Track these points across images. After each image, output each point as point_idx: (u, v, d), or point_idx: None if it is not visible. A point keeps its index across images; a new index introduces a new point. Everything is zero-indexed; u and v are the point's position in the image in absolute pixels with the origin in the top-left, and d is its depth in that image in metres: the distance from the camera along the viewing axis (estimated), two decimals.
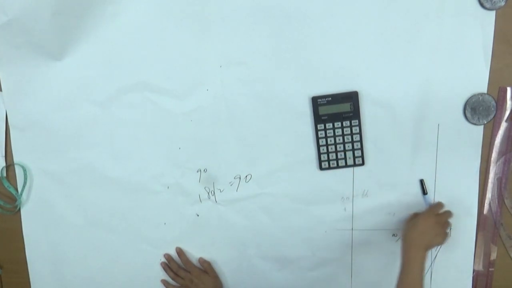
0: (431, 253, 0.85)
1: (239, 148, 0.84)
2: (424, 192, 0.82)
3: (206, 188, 0.86)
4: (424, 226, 0.74)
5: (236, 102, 0.82)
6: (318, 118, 0.81)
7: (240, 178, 0.85)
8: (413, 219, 0.78)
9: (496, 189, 0.82)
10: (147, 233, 0.88)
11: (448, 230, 0.79)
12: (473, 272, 0.85)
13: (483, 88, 0.79)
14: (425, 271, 0.72)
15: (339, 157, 0.82)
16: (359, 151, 0.82)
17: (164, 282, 0.90)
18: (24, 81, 0.84)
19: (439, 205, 0.80)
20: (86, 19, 0.80)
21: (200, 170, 0.86)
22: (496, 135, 0.81)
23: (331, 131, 0.81)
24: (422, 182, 0.82)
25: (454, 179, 0.82)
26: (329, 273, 0.86)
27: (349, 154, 0.82)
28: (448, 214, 0.79)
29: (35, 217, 0.90)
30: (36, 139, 0.87)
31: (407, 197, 0.83)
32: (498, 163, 0.82)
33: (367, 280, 0.87)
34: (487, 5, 0.75)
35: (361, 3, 0.77)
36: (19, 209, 0.90)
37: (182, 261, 0.88)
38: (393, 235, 0.85)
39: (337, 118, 0.81)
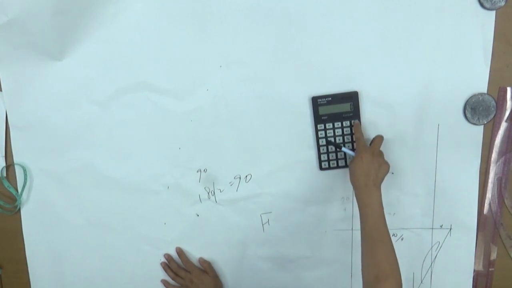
0: (431, 253, 0.85)
1: (239, 148, 0.84)
2: (339, 147, 0.80)
3: (206, 188, 0.86)
4: (363, 166, 0.73)
5: (236, 102, 0.82)
6: (318, 118, 0.81)
7: (240, 178, 0.85)
8: (351, 163, 0.75)
9: (496, 189, 0.82)
10: (147, 233, 0.88)
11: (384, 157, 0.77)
12: (473, 272, 0.85)
13: (483, 88, 0.79)
14: (383, 209, 0.71)
15: (339, 157, 0.82)
16: None
17: (164, 282, 0.90)
18: (24, 81, 0.84)
19: (360, 140, 0.77)
20: (86, 19, 0.80)
21: (200, 170, 0.86)
22: (496, 135, 0.81)
23: (331, 131, 0.81)
24: (329, 142, 0.80)
25: (454, 179, 0.82)
26: (329, 273, 0.86)
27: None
28: (377, 141, 0.78)
29: (35, 217, 0.90)
30: (36, 139, 0.87)
31: (407, 197, 0.83)
32: (498, 163, 0.82)
33: None
34: (487, 5, 0.75)
35: (361, 3, 0.77)
36: (19, 209, 0.90)
37: (182, 261, 0.88)
38: (393, 235, 0.85)
39: (337, 118, 0.81)
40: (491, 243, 0.84)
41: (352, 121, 0.80)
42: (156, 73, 0.82)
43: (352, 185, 0.74)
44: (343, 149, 0.80)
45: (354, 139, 0.80)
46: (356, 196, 0.73)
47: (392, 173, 0.82)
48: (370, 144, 0.79)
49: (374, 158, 0.74)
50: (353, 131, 0.80)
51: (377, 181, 0.73)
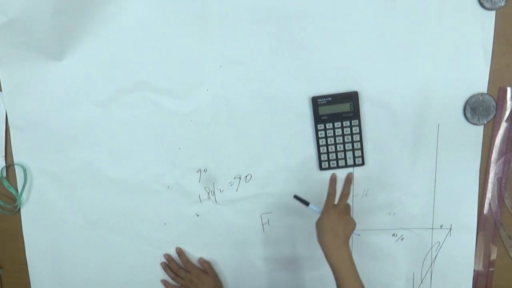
0: (431, 253, 0.85)
1: (239, 148, 0.84)
2: (306, 204, 0.79)
3: (206, 188, 0.86)
4: (330, 225, 0.71)
5: (236, 102, 0.82)
6: (318, 118, 0.81)
7: (240, 178, 0.85)
8: (318, 222, 0.74)
9: (496, 189, 0.82)
10: (147, 233, 0.88)
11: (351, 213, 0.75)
12: (473, 272, 0.85)
13: (483, 88, 0.79)
14: (355, 265, 0.70)
15: (339, 157, 0.82)
16: (359, 151, 0.82)
17: (164, 282, 0.90)
18: (24, 81, 0.84)
19: (330, 197, 0.76)
20: (86, 19, 0.80)
21: (200, 170, 0.86)
22: (496, 135, 0.81)
23: (331, 131, 0.81)
24: (296, 197, 0.79)
25: (454, 179, 0.82)
26: (329, 273, 0.86)
27: (349, 154, 0.82)
28: (343, 197, 0.75)
29: (35, 217, 0.90)
30: (36, 139, 0.87)
31: (407, 197, 0.83)
32: (498, 163, 0.82)
33: (367, 280, 0.86)
34: (487, 5, 0.75)
35: (361, 3, 0.78)
36: (19, 209, 0.90)
37: (182, 261, 0.88)
38: (393, 235, 0.85)
39: (337, 118, 0.81)
40: (491, 243, 0.84)
41: (338, 174, 0.75)
42: (156, 73, 0.82)
43: (320, 245, 0.72)
44: (310, 206, 0.78)
45: (328, 192, 0.76)
46: (326, 258, 0.71)
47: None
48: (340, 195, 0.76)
49: (340, 215, 0.73)
50: (329, 184, 0.77)
51: (345, 239, 0.71)
